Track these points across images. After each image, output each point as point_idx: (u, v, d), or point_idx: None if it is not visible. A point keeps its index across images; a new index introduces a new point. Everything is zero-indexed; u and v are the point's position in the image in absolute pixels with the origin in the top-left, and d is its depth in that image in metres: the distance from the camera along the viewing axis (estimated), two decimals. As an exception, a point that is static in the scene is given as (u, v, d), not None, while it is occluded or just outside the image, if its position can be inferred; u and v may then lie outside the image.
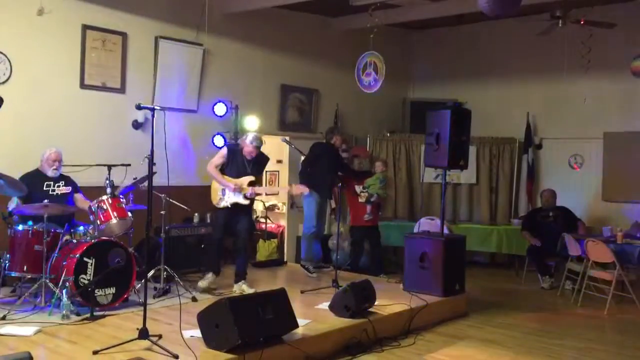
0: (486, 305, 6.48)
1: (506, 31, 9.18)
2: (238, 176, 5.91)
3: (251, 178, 5.93)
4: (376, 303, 5.30)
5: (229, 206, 5.88)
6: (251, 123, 7.85)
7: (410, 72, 10.36)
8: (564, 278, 7.25)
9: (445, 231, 6.64)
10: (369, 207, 7.61)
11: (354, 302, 4.98)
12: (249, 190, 5.86)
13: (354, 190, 7.62)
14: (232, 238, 6.22)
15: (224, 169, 5.98)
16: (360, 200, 7.60)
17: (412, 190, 9.24)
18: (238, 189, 5.85)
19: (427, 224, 7.87)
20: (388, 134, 9.41)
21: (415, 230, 7.82)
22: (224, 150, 6.03)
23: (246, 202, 5.90)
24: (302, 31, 8.76)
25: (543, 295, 7.27)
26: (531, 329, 5.64)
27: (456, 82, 9.82)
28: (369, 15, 7.65)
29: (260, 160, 6.09)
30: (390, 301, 5.56)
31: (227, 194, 5.89)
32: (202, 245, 6.89)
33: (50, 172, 5.62)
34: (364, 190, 7.63)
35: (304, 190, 6.26)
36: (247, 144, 5.88)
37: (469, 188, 9.18)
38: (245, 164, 5.94)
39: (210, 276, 5.92)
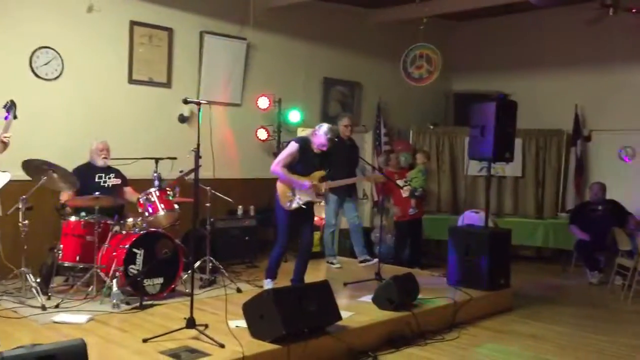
0: (532, 300, 6.37)
1: (553, 20, 8.96)
2: (309, 173, 5.42)
3: (322, 173, 5.50)
4: (420, 296, 5.28)
5: (303, 206, 5.41)
6: (294, 116, 7.91)
7: (453, 64, 10.19)
8: (614, 273, 7.06)
9: (490, 225, 6.55)
10: (413, 201, 7.58)
11: (397, 295, 4.97)
12: (323, 186, 5.50)
13: (396, 184, 7.57)
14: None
15: (291, 167, 5.41)
16: (403, 194, 7.56)
17: (456, 183, 9.14)
18: (313, 187, 5.40)
19: (471, 217, 7.76)
20: (431, 127, 9.32)
21: (459, 223, 7.73)
22: (294, 147, 5.38)
23: (320, 199, 5.58)
24: (344, 24, 8.74)
25: (591, 290, 7.10)
26: (579, 325, 5.52)
27: (501, 73, 9.64)
28: (417, 6, 7.55)
29: (327, 152, 5.51)
30: (434, 295, 5.53)
31: (298, 193, 5.39)
32: (246, 238, 6.98)
33: (100, 162, 5.78)
34: (407, 184, 7.58)
35: (381, 178, 5.77)
36: (321, 135, 5.34)
37: (515, 181, 9.02)
38: (314, 158, 5.46)
39: (269, 282, 5.52)
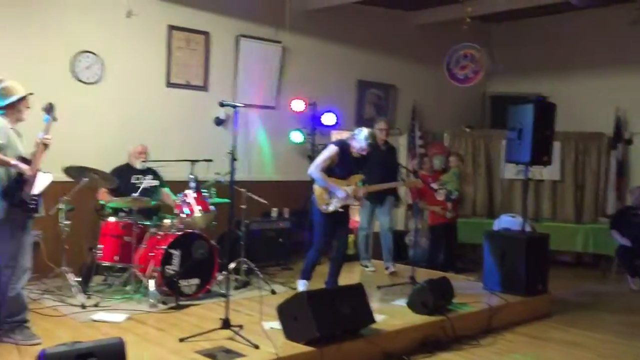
0: (571, 307, 6.24)
1: (593, 21, 8.77)
2: (347, 176, 5.41)
3: (361, 177, 5.49)
4: (454, 300, 5.23)
5: (340, 210, 5.37)
6: (328, 119, 7.89)
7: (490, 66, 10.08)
8: (656, 280, 6.89)
9: (527, 229, 6.44)
10: (449, 204, 7.52)
11: (432, 299, 4.93)
12: (361, 190, 5.48)
13: (430, 187, 7.51)
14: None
15: (329, 169, 5.37)
16: (438, 197, 7.50)
17: (492, 187, 9.03)
18: (350, 192, 5.38)
19: (507, 221, 7.66)
20: (467, 129, 9.22)
21: (495, 227, 7.63)
22: (334, 150, 5.34)
23: (357, 203, 5.51)
24: (379, 26, 8.72)
25: (632, 297, 6.92)
26: (619, 332, 5.38)
27: (539, 75, 9.47)
28: (459, 7, 7.45)
29: (365, 156, 5.49)
30: (469, 299, 5.47)
31: (335, 196, 5.36)
32: (280, 240, 7.02)
33: (138, 165, 5.90)
34: (442, 187, 7.51)
35: (419, 184, 5.79)
36: (361, 139, 5.32)
37: (553, 185, 8.85)
38: (352, 162, 5.43)
39: (303, 283, 5.50)
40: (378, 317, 4.57)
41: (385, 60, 8.84)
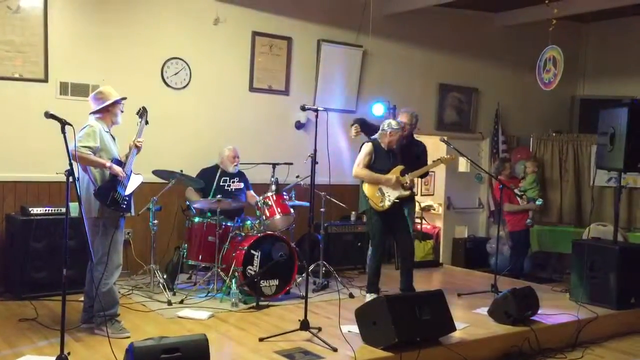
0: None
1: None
2: (388, 170, 5.45)
3: (401, 167, 5.48)
4: (540, 311, 5.04)
5: (396, 201, 5.40)
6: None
7: (580, 68, 9.65)
8: None
9: (620, 239, 6.12)
10: (531, 212, 7.28)
11: (516, 308, 4.77)
12: (407, 179, 5.45)
13: (514, 193, 7.29)
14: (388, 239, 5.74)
15: (370, 168, 5.48)
16: (521, 203, 7.26)
17: (581, 194, 8.62)
18: (398, 182, 5.39)
19: (597, 230, 7.31)
20: (554, 134, 8.87)
21: (584, 237, 7.30)
22: (369, 146, 5.52)
23: (408, 192, 5.49)
24: (462, 28, 8.54)
25: None
26: None
27: (633, 77, 8.96)
28: (545, 7, 7.21)
29: (394, 149, 5.54)
30: (556, 311, 5.25)
31: (385, 191, 5.43)
32: (359, 244, 7.01)
33: (231, 169, 6.09)
34: (523, 194, 7.28)
35: (452, 159, 5.83)
36: (397, 131, 5.44)
37: (647, 193, 8.36)
38: (387, 155, 5.50)
39: (374, 296, 5.30)
40: (459, 325, 4.47)
41: (467, 63, 8.65)
